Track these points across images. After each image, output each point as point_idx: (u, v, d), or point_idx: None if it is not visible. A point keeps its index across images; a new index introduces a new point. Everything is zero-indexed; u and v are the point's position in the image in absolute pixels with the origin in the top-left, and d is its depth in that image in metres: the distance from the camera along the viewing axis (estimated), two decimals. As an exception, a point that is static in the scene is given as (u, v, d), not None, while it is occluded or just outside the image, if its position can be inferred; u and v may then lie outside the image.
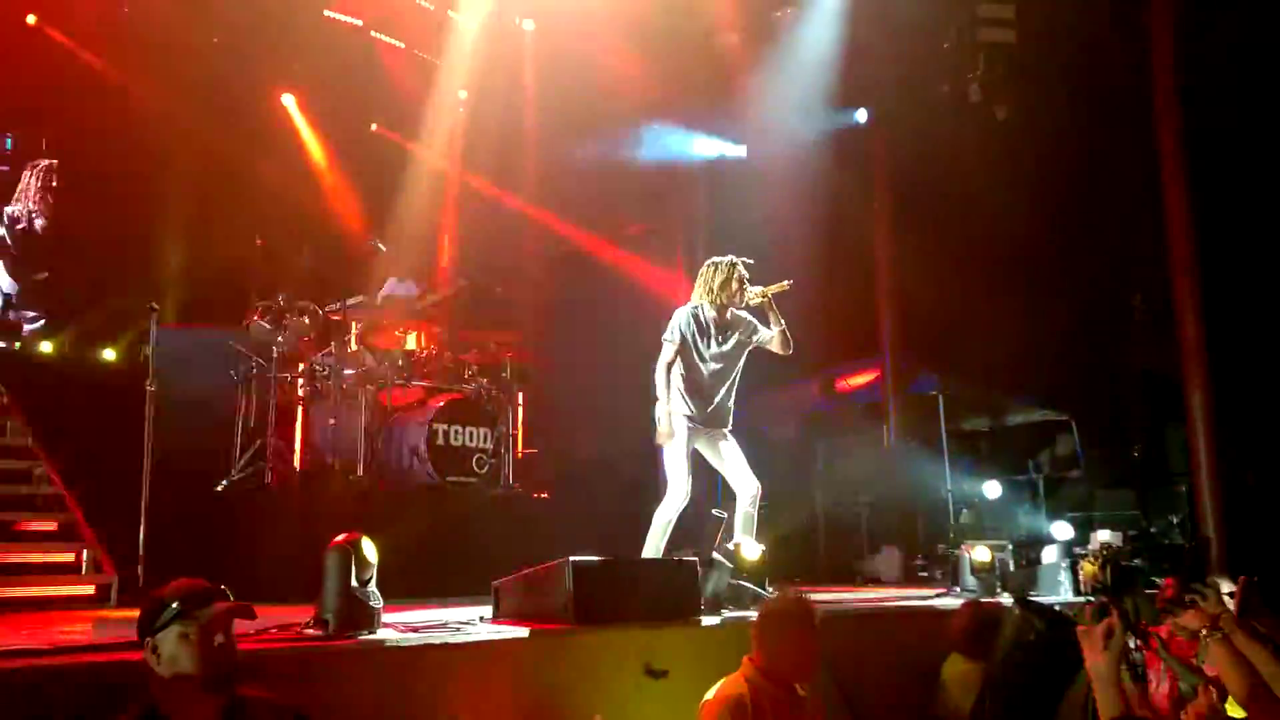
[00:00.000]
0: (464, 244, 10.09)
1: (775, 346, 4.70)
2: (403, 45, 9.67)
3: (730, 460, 4.68)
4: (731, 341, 4.73)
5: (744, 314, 4.78)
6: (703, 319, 4.72)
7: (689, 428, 4.63)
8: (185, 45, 8.42)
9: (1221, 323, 7.43)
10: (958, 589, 5.27)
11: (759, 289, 4.66)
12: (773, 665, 2.99)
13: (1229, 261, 7.85)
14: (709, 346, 4.71)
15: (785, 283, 4.65)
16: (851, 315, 10.27)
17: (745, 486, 4.61)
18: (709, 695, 2.96)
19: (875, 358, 10.17)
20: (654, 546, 4.55)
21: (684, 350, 4.70)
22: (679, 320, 4.72)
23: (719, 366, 4.70)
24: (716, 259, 4.79)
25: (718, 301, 4.70)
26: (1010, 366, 10.28)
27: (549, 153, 10.24)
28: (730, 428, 4.76)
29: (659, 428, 4.60)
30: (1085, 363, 10.10)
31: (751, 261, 4.71)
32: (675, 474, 4.60)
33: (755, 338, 4.76)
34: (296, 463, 6.36)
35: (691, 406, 4.67)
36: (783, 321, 4.68)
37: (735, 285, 4.67)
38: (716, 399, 4.69)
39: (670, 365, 4.66)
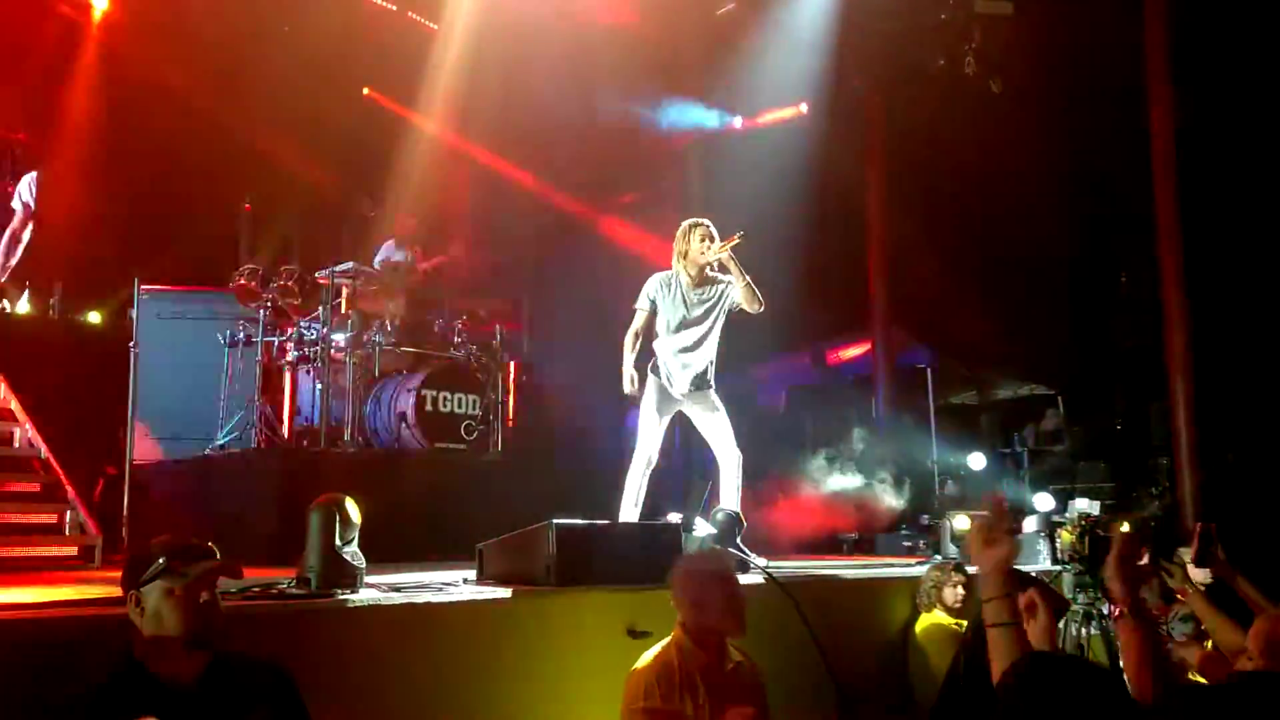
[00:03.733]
0: (458, 211, 10.03)
1: (743, 302, 4.70)
2: (394, 8, 9.54)
3: (712, 427, 4.72)
4: (707, 304, 4.77)
5: (720, 276, 4.79)
6: (675, 284, 4.78)
7: (663, 389, 4.69)
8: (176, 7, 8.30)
9: (1205, 302, 7.48)
10: (939, 557, 5.34)
11: (715, 245, 4.67)
12: (699, 626, 2.94)
13: (1214, 241, 7.88)
14: (684, 310, 4.75)
15: (737, 235, 4.65)
16: (843, 288, 10.29)
17: (726, 454, 4.66)
18: (637, 664, 2.94)
19: (866, 331, 10.20)
20: (627, 509, 4.63)
21: (658, 315, 4.78)
22: (649, 288, 4.82)
23: (694, 329, 4.74)
24: (685, 223, 4.82)
25: (688, 265, 4.74)
26: (999, 341, 10.34)
27: (544, 121, 10.14)
28: (714, 392, 4.78)
29: (624, 387, 4.76)
30: (1072, 339, 10.16)
31: (744, 233, 4.70)
32: (642, 435, 4.71)
33: (728, 298, 4.78)
34: (284, 427, 6.36)
35: (668, 369, 4.73)
36: (746, 276, 4.68)
37: (697, 244, 4.71)
38: (693, 361, 4.73)
39: (637, 332, 4.79)
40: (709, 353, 4.77)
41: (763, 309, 4.73)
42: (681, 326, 4.74)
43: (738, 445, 4.69)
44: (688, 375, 4.73)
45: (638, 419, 4.79)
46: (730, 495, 4.56)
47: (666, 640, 2.99)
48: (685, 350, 4.73)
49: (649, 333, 4.86)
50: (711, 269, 4.77)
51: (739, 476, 4.62)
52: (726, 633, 2.99)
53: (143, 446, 5.72)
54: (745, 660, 3.07)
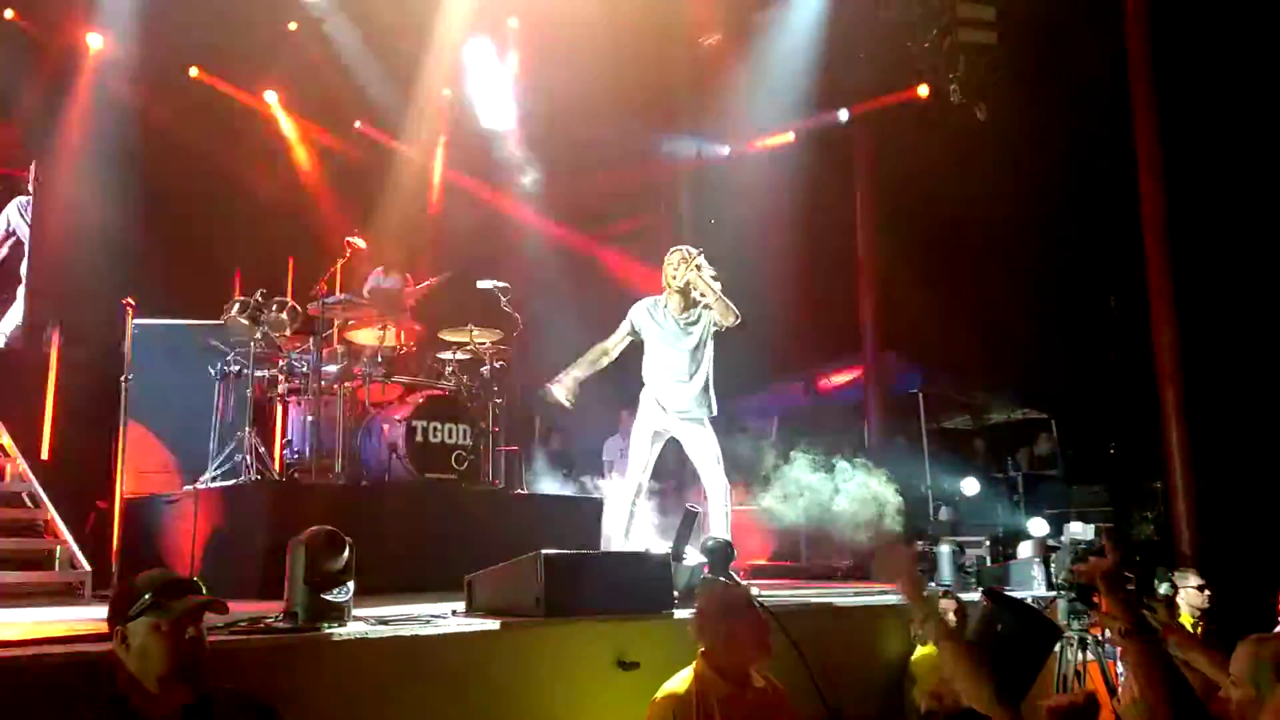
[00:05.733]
0: (448, 240, 10.09)
1: (719, 318, 4.78)
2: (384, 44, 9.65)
3: (703, 454, 4.75)
4: (693, 328, 4.85)
5: (704, 299, 4.86)
6: (662, 310, 4.88)
7: (655, 412, 4.73)
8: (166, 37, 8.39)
9: (1195, 323, 7.54)
10: (934, 584, 5.33)
11: (683, 268, 4.79)
12: (722, 657, 2.95)
13: (1204, 262, 7.96)
14: (671, 334, 4.83)
15: (699, 257, 4.76)
16: (833, 314, 10.34)
17: (714, 484, 4.68)
18: (657, 695, 2.95)
19: (857, 357, 10.24)
20: (617, 538, 4.64)
21: (647, 341, 4.88)
22: (633, 313, 4.95)
23: (683, 353, 4.81)
24: (671, 250, 4.93)
25: (671, 291, 4.85)
26: (991, 365, 10.38)
27: (534, 151, 10.24)
28: (705, 419, 4.80)
29: (554, 385, 4.93)
30: (1064, 362, 10.21)
31: (701, 250, 4.82)
32: (632, 460, 4.80)
33: (712, 319, 4.85)
34: (274, 459, 6.34)
35: (657, 393, 4.77)
36: (715, 290, 4.76)
37: (669, 270, 4.84)
38: (684, 383, 4.78)
39: (606, 349, 4.94)
40: (701, 376, 4.82)
41: (739, 321, 4.81)
42: (670, 350, 4.82)
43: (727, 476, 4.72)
44: (682, 397, 4.77)
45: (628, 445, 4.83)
46: (720, 523, 4.57)
47: (687, 670, 2.99)
48: (676, 372, 4.80)
49: (633, 359, 4.93)
50: (695, 293, 4.84)
51: (728, 505, 4.64)
52: (753, 661, 3.00)
53: (132, 478, 5.69)
54: (769, 684, 3.07)
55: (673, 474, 7.02)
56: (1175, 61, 7.92)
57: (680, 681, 2.95)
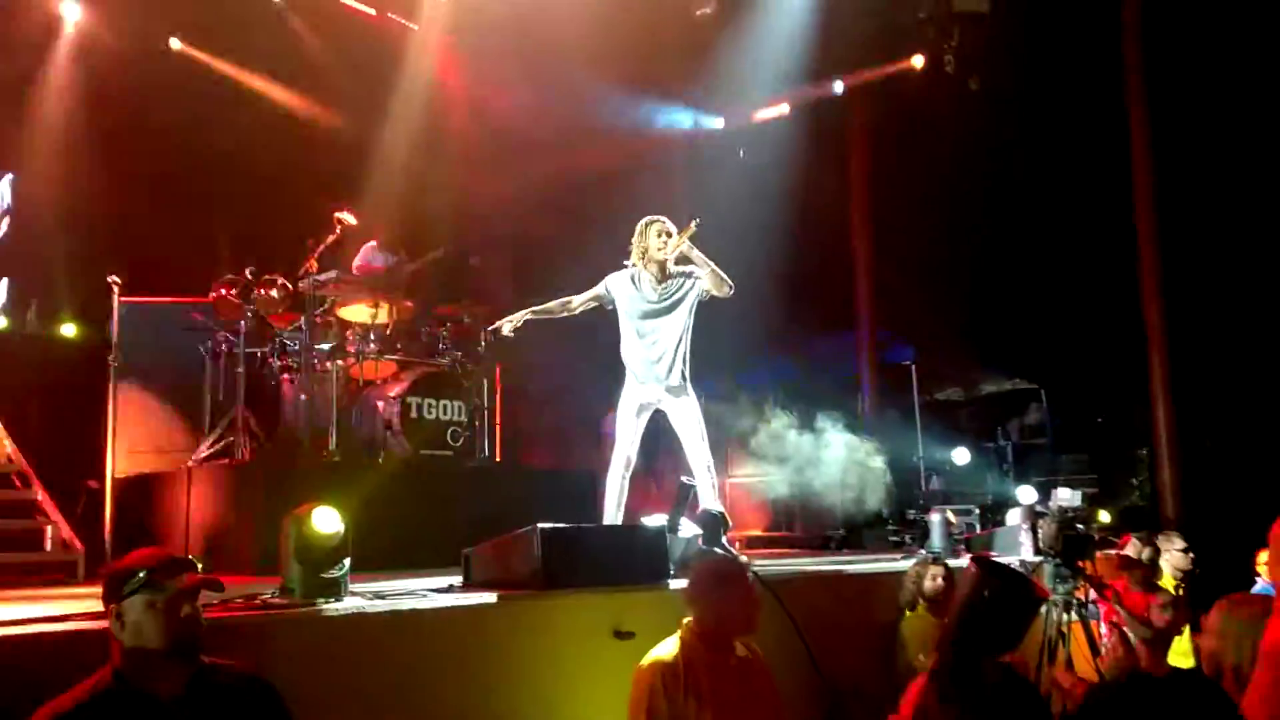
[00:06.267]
0: (440, 215, 10.02)
1: (712, 288, 4.73)
2: (374, 11, 9.52)
3: (686, 428, 4.73)
4: (671, 299, 4.78)
5: (681, 269, 4.80)
6: (638, 281, 4.80)
7: (636, 387, 4.74)
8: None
9: (1182, 295, 7.57)
10: (925, 552, 5.38)
11: (673, 239, 4.69)
12: (710, 626, 2.96)
13: (1191, 235, 7.98)
14: (647, 306, 4.77)
15: (693, 224, 4.68)
16: (827, 286, 10.33)
17: (697, 458, 4.67)
18: (643, 661, 2.96)
19: (851, 328, 10.25)
20: (610, 512, 4.65)
21: (621, 314, 4.82)
22: (608, 280, 4.87)
23: (660, 325, 4.75)
24: (641, 221, 4.85)
25: (648, 263, 4.77)
26: (983, 337, 10.41)
27: (524, 124, 10.14)
28: (691, 391, 4.77)
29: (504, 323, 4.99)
30: (1054, 334, 10.25)
31: (700, 221, 4.72)
32: (619, 435, 4.76)
33: (695, 288, 4.78)
34: (268, 437, 6.33)
35: (637, 366, 4.74)
36: (710, 262, 4.71)
37: (655, 241, 4.75)
38: (663, 356, 4.73)
39: (570, 303, 4.92)
40: (680, 348, 4.76)
41: (732, 292, 4.76)
42: (646, 322, 4.76)
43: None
44: (659, 369, 4.73)
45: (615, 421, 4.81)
46: (707, 496, 4.58)
47: (672, 638, 2.99)
48: (654, 345, 4.74)
49: (610, 328, 4.88)
50: (673, 263, 4.78)
51: (714, 477, 4.65)
52: (741, 632, 3.03)
53: (124, 458, 5.67)
54: (752, 654, 3.09)
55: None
56: (1167, 34, 7.89)
57: (666, 649, 2.96)
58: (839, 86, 10.04)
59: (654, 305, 4.76)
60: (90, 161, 7.53)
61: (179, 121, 7.93)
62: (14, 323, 6.48)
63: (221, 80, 8.82)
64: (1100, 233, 9.55)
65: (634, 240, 4.85)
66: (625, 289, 4.81)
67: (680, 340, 4.76)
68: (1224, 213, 8.48)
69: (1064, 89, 9.01)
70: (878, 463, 6.64)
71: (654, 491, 6.10)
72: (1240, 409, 8.16)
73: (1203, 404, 7.86)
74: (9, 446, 5.38)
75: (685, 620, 3.01)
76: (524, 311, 5.04)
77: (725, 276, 4.70)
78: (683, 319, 4.77)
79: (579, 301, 4.93)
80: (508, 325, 5.03)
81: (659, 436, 5.06)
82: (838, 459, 6.47)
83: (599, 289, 4.88)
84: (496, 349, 6.81)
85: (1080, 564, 3.95)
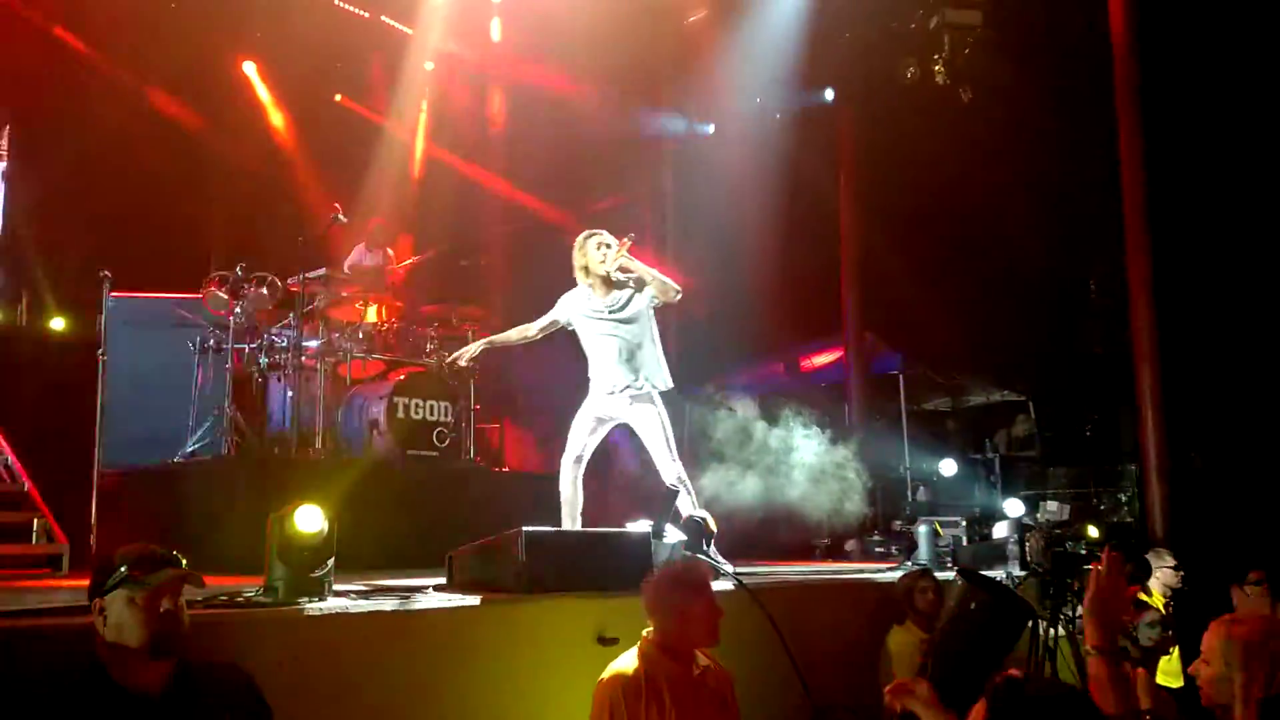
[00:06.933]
0: (430, 216, 10.03)
1: (659, 295, 4.76)
2: (367, 15, 9.53)
3: (652, 439, 4.72)
4: (621, 310, 4.79)
5: (626, 277, 4.81)
6: (588, 297, 4.83)
7: (598, 398, 4.77)
8: (143, 11, 8.24)
9: (1172, 308, 7.62)
10: (911, 564, 5.40)
11: (613, 251, 4.74)
12: (670, 637, 2.89)
13: (1182, 248, 8.03)
14: (600, 319, 4.79)
15: (626, 239, 4.73)
16: (816, 294, 10.37)
17: (665, 468, 4.66)
18: (604, 674, 2.90)
19: (839, 337, 10.28)
20: (566, 514, 4.69)
21: (580, 333, 4.86)
22: (560, 304, 4.90)
23: (614, 338, 4.76)
24: (580, 236, 4.88)
25: (591, 278, 4.80)
26: (970, 348, 10.46)
27: (516, 127, 10.17)
28: (657, 397, 4.76)
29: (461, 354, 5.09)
30: (1042, 345, 10.31)
31: (634, 236, 4.79)
32: (571, 437, 4.80)
33: (645, 298, 4.81)
34: (254, 435, 6.31)
35: (602, 382, 4.78)
36: (652, 270, 4.75)
37: (595, 254, 4.77)
38: (619, 367, 4.74)
39: (525, 331, 4.97)
40: (641, 355, 4.77)
41: (680, 296, 4.80)
42: (607, 338, 4.77)
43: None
44: (619, 380, 4.73)
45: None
46: (685, 504, 4.58)
47: (632, 650, 2.95)
48: (618, 355, 4.74)
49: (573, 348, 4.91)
50: (616, 274, 4.79)
51: (688, 485, 4.66)
52: (702, 644, 2.97)
53: (110, 453, 5.64)
54: (712, 664, 3.05)
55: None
56: (1159, 45, 7.95)
57: (627, 662, 2.91)
58: (829, 95, 10.10)
59: (606, 317, 4.78)
60: (84, 157, 7.52)
61: (174, 117, 7.92)
62: (6, 316, 6.45)
63: (215, 75, 8.80)
64: (1089, 243, 9.63)
65: (574, 255, 4.85)
66: (578, 306, 4.83)
67: (639, 348, 4.76)
68: (1215, 226, 8.55)
69: (1054, 100, 9.08)
70: (862, 472, 6.65)
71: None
72: (1230, 425, 8.21)
73: (1192, 419, 7.90)
74: (-5, 439, 5.36)
75: (645, 631, 2.96)
76: (480, 342, 5.10)
77: (669, 281, 4.74)
78: (636, 327, 4.78)
79: (536, 328, 4.95)
80: (465, 357, 5.08)
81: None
82: (822, 468, 6.48)
83: (553, 313, 4.91)
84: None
85: (1069, 581, 3.94)
